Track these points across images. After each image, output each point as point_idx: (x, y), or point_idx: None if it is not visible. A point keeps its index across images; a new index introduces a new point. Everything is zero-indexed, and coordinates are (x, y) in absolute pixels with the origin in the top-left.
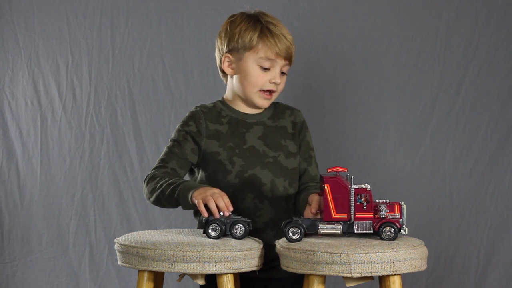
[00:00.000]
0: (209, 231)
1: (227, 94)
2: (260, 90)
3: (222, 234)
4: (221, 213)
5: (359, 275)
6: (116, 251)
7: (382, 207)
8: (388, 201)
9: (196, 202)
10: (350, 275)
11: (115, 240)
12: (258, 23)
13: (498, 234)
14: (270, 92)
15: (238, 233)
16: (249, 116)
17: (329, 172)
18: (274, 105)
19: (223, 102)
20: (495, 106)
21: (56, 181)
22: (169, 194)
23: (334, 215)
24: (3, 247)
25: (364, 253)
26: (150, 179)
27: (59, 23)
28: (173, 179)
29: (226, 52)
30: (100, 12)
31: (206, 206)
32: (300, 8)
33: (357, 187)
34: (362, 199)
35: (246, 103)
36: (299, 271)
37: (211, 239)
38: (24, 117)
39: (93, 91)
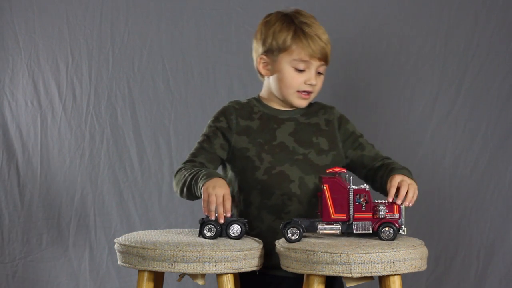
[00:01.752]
0: (205, 231)
1: (263, 93)
2: (297, 91)
3: (218, 235)
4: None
5: (359, 275)
6: (116, 251)
7: (381, 207)
8: (387, 201)
9: (202, 196)
10: (350, 275)
11: (115, 240)
12: (292, 24)
13: (498, 234)
14: (308, 92)
15: (234, 233)
16: (281, 112)
17: (328, 172)
18: (309, 103)
19: (257, 99)
20: (495, 106)
21: (56, 181)
22: (189, 183)
23: (333, 216)
24: (3, 247)
25: (364, 253)
26: (178, 172)
27: (59, 23)
28: (196, 169)
29: (261, 54)
30: (100, 12)
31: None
32: (300, 8)
33: (356, 188)
34: (361, 200)
35: (283, 103)
36: (299, 271)
37: (211, 239)
38: (24, 117)
39: (93, 91)
